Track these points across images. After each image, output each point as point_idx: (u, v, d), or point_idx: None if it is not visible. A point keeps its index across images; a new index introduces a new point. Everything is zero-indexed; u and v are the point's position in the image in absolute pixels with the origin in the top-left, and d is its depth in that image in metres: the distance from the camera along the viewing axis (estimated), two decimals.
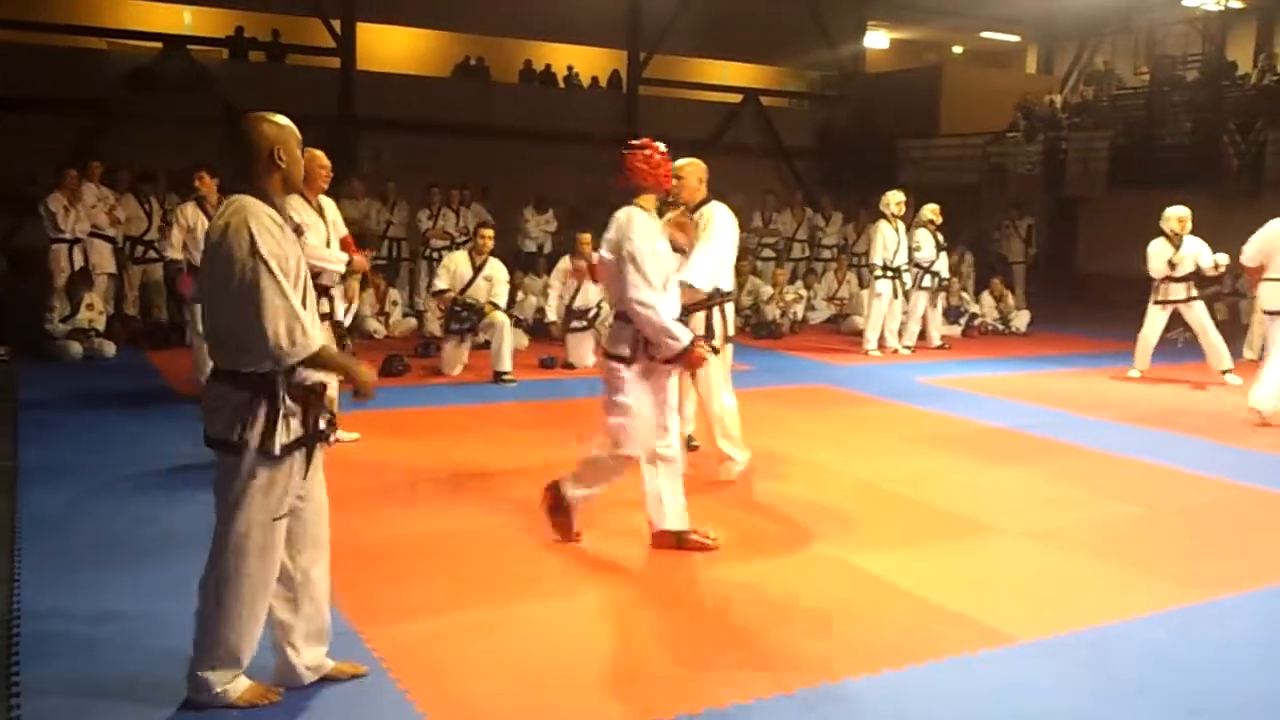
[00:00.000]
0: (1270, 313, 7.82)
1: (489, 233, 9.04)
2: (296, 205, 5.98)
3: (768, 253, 14.82)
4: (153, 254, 10.83)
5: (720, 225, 5.44)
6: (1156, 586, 4.22)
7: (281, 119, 2.99)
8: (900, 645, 3.64)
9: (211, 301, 2.90)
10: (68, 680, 3.15)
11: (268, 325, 2.74)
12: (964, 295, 13.09)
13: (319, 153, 6.03)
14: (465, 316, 8.81)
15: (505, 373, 8.60)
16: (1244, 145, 14.16)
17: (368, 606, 3.75)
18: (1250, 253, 7.96)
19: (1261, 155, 13.95)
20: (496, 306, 8.81)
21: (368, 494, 5.07)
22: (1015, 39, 23.09)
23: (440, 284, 8.98)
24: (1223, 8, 16.84)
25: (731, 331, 5.55)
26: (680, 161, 5.54)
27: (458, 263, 9.00)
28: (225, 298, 2.79)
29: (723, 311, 5.47)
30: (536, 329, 10.87)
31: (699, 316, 5.40)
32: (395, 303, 11.64)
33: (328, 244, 5.91)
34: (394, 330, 11.07)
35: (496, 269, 8.98)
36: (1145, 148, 15.62)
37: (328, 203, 6.11)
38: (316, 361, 2.88)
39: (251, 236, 2.75)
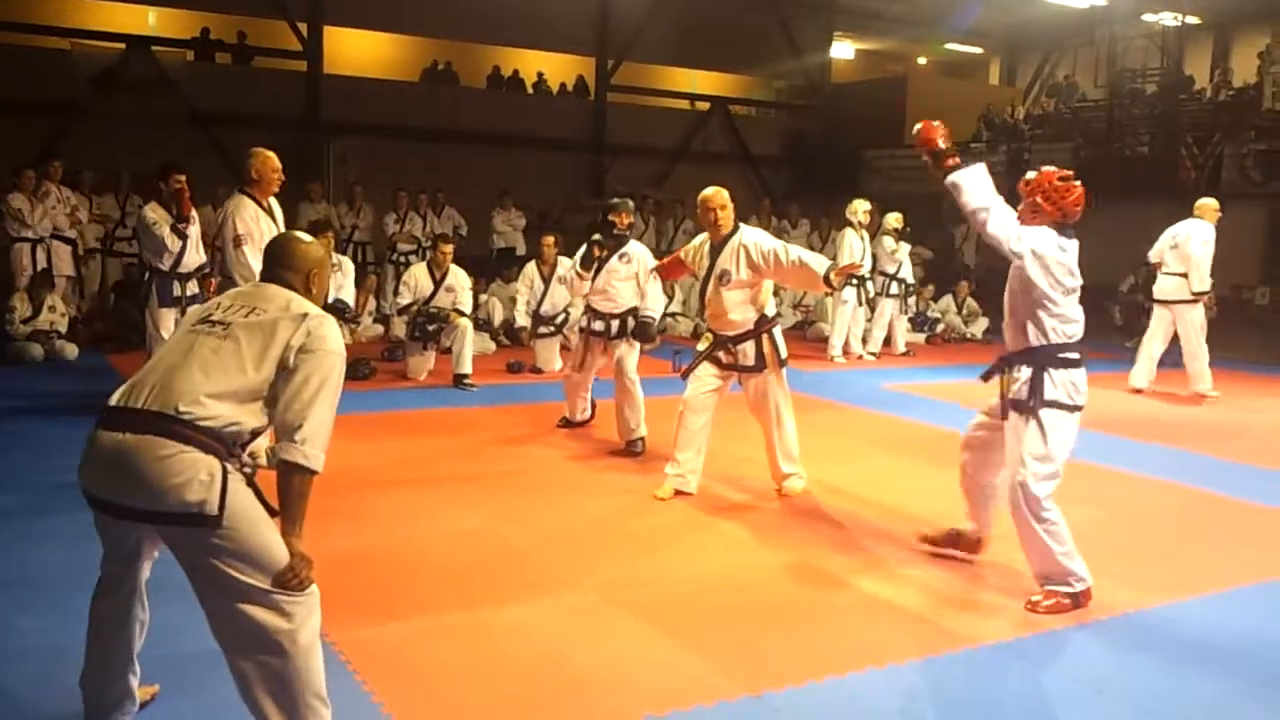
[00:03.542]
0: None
1: (448, 249, 9.05)
2: (250, 210, 6.00)
3: None
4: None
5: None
6: (1115, 590, 4.29)
7: (314, 240, 2.99)
8: (864, 648, 3.68)
9: (257, 362, 2.61)
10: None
11: (315, 418, 2.58)
12: (932, 302, 13.27)
13: (271, 154, 6.07)
14: (429, 328, 8.82)
15: (465, 376, 8.60)
16: (1201, 158, 14.43)
17: (333, 611, 3.72)
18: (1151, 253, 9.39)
19: (1218, 168, 14.23)
20: (461, 313, 8.82)
21: (332, 498, 5.04)
22: (979, 51, 23.39)
23: (403, 300, 9.00)
24: (1180, 23, 17.15)
25: (784, 354, 5.58)
26: (708, 192, 5.53)
27: (418, 276, 9.01)
28: (284, 370, 2.61)
29: (771, 336, 5.52)
30: (508, 334, 10.86)
31: (750, 346, 5.47)
32: (370, 312, 11.61)
33: None
34: (361, 336, 11.02)
35: (458, 278, 8.99)
36: (1105, 159, 15.88)
37: (275, 205, 6.19)
38: (301, 487, 2.59)
39: (339, 339, 2.71)
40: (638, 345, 6.78)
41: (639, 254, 6.80)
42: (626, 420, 6.57)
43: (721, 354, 5.53)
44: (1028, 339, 4.10)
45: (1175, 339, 9.29)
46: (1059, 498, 4.10)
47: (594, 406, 7.23)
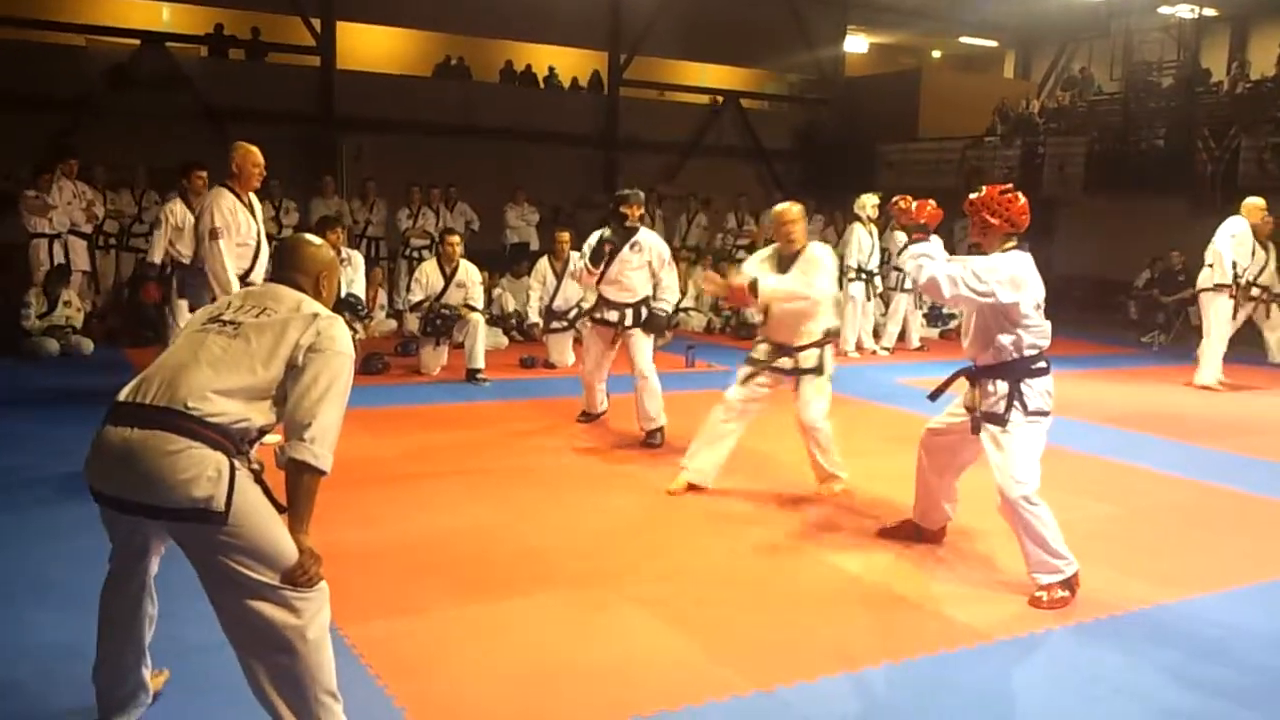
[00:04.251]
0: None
1: (455, 239, 9.05)
2: (228, 202, 5.96)
3: (742, 254, 14.85)
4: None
5: (828, 266, 5.54)
6: (1133, 586, 4.27)
7: (324, 243, 2.97)
8: (878, 643, 3.67)
9: (266, 360, 2.61)
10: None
11: (325, 417, 2.56)
12: None
13: (253, 149, 6.02)
14: (442, 324, 8.82)
15: (478, 371, 8.60)
16: (1217, 152, 14.31)
17: (346, 605, 3.73)
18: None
19: (1235, 162, 14.10)
20: (472, 309, 8.82)
21: (344, 493, 5.03)
22: (993, 44, 23.26)
23: (415, 297, 9.00)
24: (1197, 16, 17.00)
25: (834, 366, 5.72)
26: (782, 208, 5.59)
27: (428, 273, 9.00)
28: (293, 369, 2.61)
29: (835, 346, 5.70)
30: (520, 329, 10.85)
31: (813, 352, 5.48)
32: (382, 306, 11.64)
33: (257, 242, 6.04)
34: (374, 330, 11.04)
35: (469, 273, 8.99)
36: (1121, 153, 15.76)
37: (254, 200, 6.17)
38: (310, 486, 2.58)
39: (349, 340, 2.71)
40: (650, 338, 6.75)
41: (650, 242, 6.77)
42: (646, 409, 6.56)
43: (786, 360, 5.52)
44: (1000, 354, 4.17)
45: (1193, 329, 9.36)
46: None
47: (606, 399, 7.20)
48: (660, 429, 6.56)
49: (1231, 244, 9.10)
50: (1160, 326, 12.38)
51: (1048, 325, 4.20)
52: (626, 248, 6.67)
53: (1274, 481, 6.08)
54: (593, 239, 6.78)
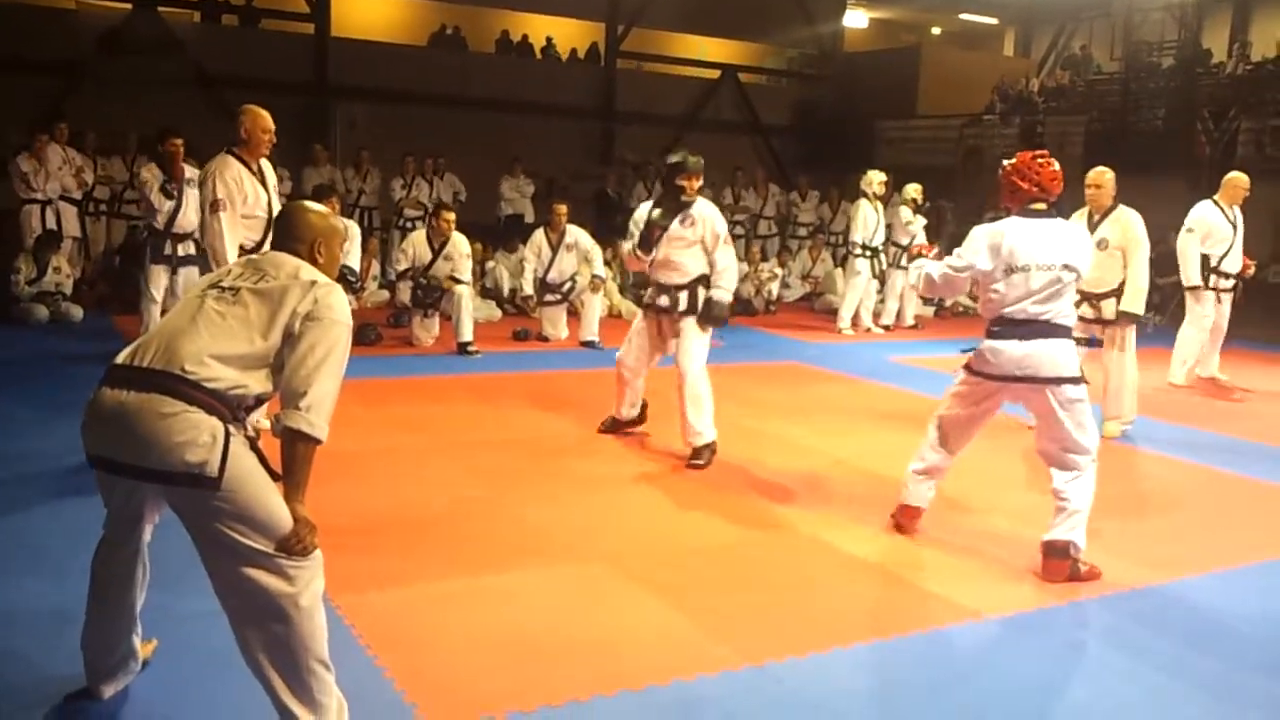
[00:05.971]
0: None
1: (449, 216, 8.99)
2: (233, 171, 5.54)
3: (737, 230, 14.81)
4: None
5: (1143, 234, 6.38)
6: (1124, 567, 4.26)
7: (324, 210, 2.90)
8: (870, 620, 3.67)
9: (264, 330, 2.58)
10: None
11: (321, 386, 2.54)
12: None
13: (263, 113, 5.65)
14: (427, 297, 8.78)
15: (468, 343, 8.56)
16: (1217, 133, 14.25)
17: (338, 575, 3.69)
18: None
19: (1234, 143, 14.06)
20: (458, 281, 8.76)
21: (337, 463, 4.97)
22: (993, 21, 23.12)
23: (400, 267, 8.97)
24: None
25: None
26: (1096, 171, 6.47)
27: (416, 244, 8.96)
28: (290, 337, 2.57)
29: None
30: (513, 301, 10.81)
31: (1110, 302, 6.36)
32: (375, 277, 11.58)
33: (268, 213, 5.58)
34: (366, 301, 10.98)
35: (458, 246, 8.92)
36: (1120, 133, 15.71)
37: (267, 167, 5.79)
38: (305, 455, 2.55)
39: (346, 309, 2.66)
40: (706, 333, 5.72)
41: (706, 215, 5.70)
42: (689, 420, 5.60)
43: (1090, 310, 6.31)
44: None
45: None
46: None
47: (644, 407, 6.20)
48: (709, 445, 5.60)
49: (1191, 239, 8.08)
50: (1156, 307, 12.36)
51: (1016, 292, 4.03)
52: (677, 221, 5.65)
53: (1267, 464, 6.09)
54: (639, 217, 5.85)
